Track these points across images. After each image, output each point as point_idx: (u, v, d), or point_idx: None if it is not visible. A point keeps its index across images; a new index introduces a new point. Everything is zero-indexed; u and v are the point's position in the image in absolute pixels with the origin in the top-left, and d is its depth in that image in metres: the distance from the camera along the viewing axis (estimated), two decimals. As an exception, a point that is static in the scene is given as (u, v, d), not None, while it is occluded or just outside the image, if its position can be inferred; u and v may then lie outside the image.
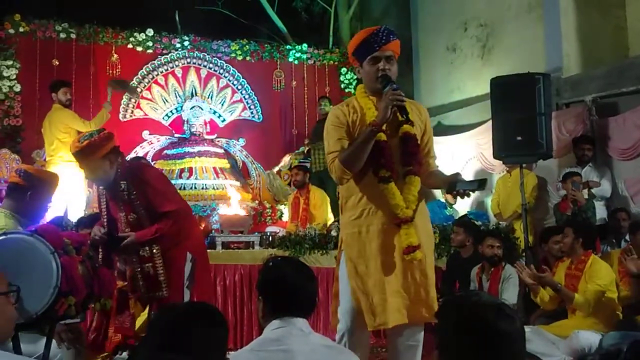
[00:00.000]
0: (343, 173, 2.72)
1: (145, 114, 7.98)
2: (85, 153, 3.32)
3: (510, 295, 4.40)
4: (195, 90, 8.25)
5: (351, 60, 2.94)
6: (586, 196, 5.53)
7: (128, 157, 3.85)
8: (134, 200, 3.38)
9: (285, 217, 7.52)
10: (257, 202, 7.84)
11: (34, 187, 3.24)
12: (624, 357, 1.32)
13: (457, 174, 2.73)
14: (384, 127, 2.72)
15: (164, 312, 1.67)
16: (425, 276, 2.76)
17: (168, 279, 3.41)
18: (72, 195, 6.19)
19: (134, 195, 3.38)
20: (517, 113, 5.41)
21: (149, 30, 7.97)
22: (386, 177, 2.70)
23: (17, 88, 7.16)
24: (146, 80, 8.05)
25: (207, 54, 8.35)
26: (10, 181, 3.34)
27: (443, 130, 8.34)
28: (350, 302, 2.75)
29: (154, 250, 3.39)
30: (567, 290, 3.94)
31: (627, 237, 5.12)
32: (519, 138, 5.37)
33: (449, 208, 6.87)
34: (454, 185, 2.63)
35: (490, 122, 5.88)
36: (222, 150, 8.05)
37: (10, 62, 7.13)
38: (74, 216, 5.70)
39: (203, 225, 5.48)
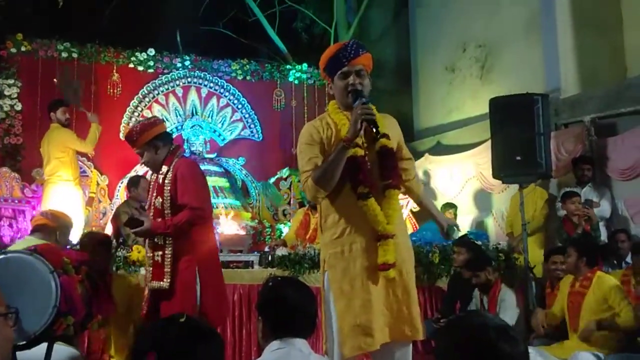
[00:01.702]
0: (317, 192, 2.66)
1: (146, 133, 7.99)
2: (129, 139, 3.58)
3: (507, 317, 4.36)
4: (195, 109, 8.28)
5: (323, 76, 2.90)
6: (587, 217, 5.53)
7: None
8: (167, 185, 3.48)
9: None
10: (256, 221, 7.83)
11: (60, 227, 3.73)
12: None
13: (450, 226, 2.94)
14: (360, 142, 2.69)
15: (150, 330, 1.60)
16: (407, 293, 2.69)
17: (173, 279, 3.40)
18: (70, 214, 6.16)
19: (168, 180, 3.48)
20: (516, 133, 5.42)
21: (150, 49, 8.03)
22: (365, 193, 2.64)
23: (18, 107, 7.18)
24: (147, 99, 8.09)
25: (208, 74, 8.41)
26: (37, 224, 3.77)
27: (442, 149, 8.37)
28: (338, 325, 2.64)
29: (167, 241, 3.44)
30: (608, 322, 3.89)
31: (629, 259, 5.10)
32: (518, 158, 5.38)
33: (448, 228, 6.84)
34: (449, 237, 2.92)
35: (489, 142, 5.90)
36: (221, 169, 8.06)
37: (11, 81, 7.17)
38: (72, 235, 5.66)
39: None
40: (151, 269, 3.47)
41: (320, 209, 2.85)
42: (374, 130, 2.64)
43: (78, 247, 4.19)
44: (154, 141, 3.54)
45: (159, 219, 3.45)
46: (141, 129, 3.55)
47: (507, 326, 1.33)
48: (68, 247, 4.24)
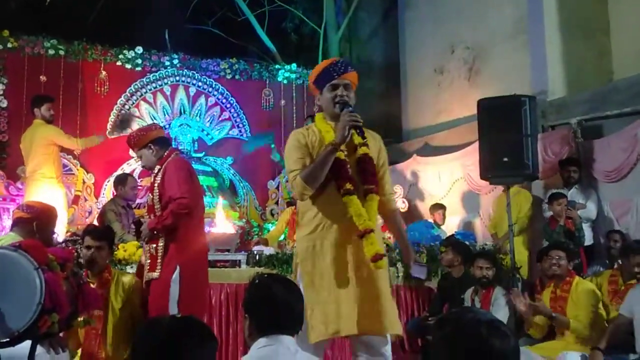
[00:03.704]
0: (304, 189, 2.86)
1: (133, 131, 7.94)
2: (130, 143, 3.93)
3: (499, 316, 4.38)
4: (184, 108, 8.24)
5: (311, 88, 3.14)
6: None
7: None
8: (157, 182, 3.71)
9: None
10: (244, 220, 7.81)
11: (38, 217, 3.62)
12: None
13: (411, 258, 3.16)
14: (342, 149, 2.88)
15: (149, 329, 1.63)
16: (378, 289, 2.85)
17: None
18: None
19: (159, 178, 3.71)
20: (504, 134, 5.45)
21: (138, 48, 7.97)
22: (350, 189, 2.84)
23: (4, 104, 7.10)
24: (134, 97, 8.03)
25: (197, 73, 8.36)
26: (15, 217, 3.72)
27: (430, 151, 8.39)
28: (307, 313, 2.79)
29: (160, 233, 3.68)
30: (561, 317, 3.92)
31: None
32: (506, 159, 5.40)
33: (436, 228, 6.88)
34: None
35: (477, 144, 5.92)
36: (209, 169, 8.02)
37: (-3, 78, 7.09)
38: (56, 233, 5.59)
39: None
40: (149, 261, 3.70)
41: (298, 206, 3.08)
42: (361, 136, 2.91)
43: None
44: (150, 144, 3.81)
45: (152, 216, 3.71)
46: (138, 132, 3.88)
47: (499, 322, 1.34)
48: (55, 235, 4.24)
